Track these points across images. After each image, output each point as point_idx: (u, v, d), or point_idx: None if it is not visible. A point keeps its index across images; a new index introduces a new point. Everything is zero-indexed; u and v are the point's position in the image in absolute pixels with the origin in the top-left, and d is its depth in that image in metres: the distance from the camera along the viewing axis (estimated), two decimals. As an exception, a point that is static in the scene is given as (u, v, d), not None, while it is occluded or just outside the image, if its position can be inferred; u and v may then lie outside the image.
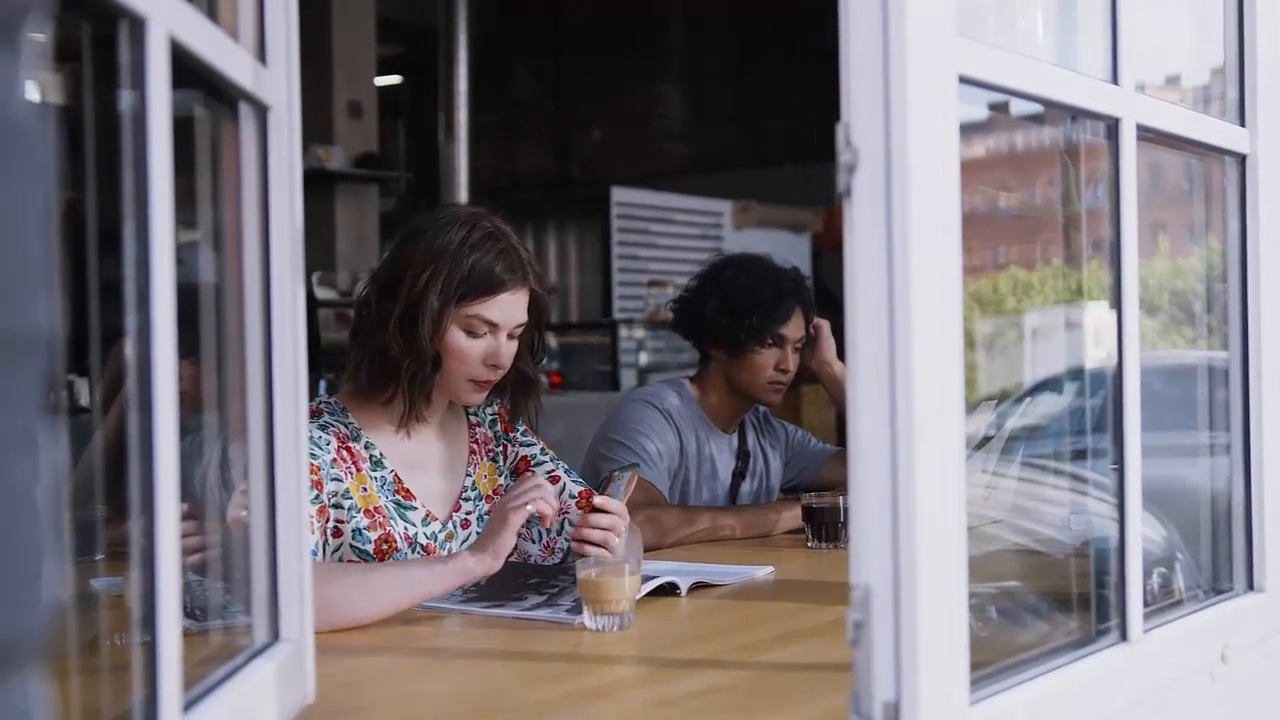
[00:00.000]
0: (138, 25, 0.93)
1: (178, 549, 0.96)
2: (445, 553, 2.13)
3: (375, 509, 2.07)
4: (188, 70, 1.04)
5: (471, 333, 2.08)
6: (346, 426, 2.11)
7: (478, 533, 2.17)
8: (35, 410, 0.52)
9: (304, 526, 1.32)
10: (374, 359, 2.09)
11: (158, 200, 0.94)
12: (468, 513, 2.21)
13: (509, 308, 2.09)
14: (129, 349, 0.96)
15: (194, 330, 1.21)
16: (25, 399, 0.51)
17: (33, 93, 0.53)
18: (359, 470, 2.09)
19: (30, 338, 0.51)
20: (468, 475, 2.23)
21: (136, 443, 0.94)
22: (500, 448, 2.29)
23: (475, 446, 2.26)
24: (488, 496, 2.24)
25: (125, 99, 0.95)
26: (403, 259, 2.09)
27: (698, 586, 2.09)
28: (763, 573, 2.25)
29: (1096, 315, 1.76)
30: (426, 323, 2.04)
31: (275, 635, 1.29)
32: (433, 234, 2.08)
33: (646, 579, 1.95)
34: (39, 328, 0.51)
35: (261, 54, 1.27)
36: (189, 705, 1.03)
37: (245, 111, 1.25)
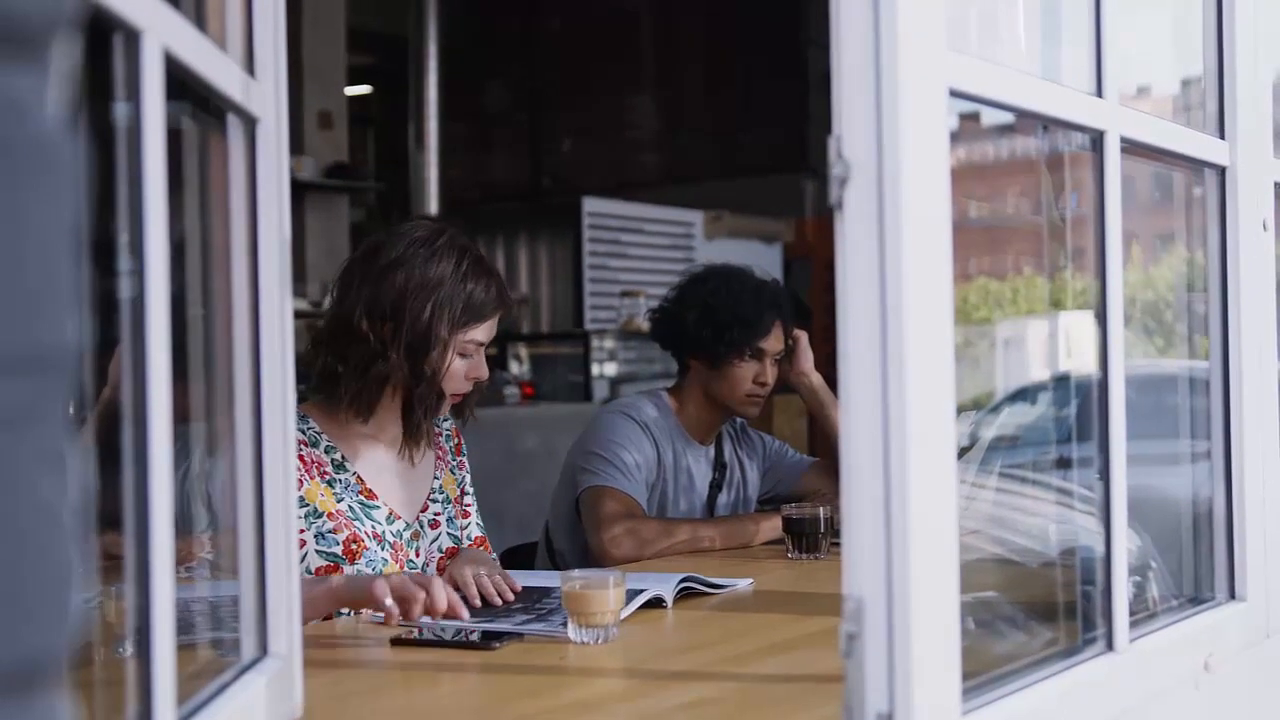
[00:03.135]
0: (132, 37, 0.92)
1: (172, 565, 0.95)
2: (412, 552, 2.21)
3: (338, 511, 2.12)
4: (178, 82, 1.03)
5: (464, 354, 2.19)
6: (304, 432, 2.16)
7: (448, 533, 2.28)
8: (62, 427, 0.51)
9: (292, 542, 1.32)
10: (370, 381, 2.13)
11: (152, 212, 0.94)
12: (435, 513, 2.28)
13: (494, 327, 2.23)
14: (118, 362, 0.95)
15: (180, 342, 1.20)
16: (53, 416, 0.50)
17: (60, 108, 0.52)
18: (320, 474, 2.13)
19: (58, 354, 0.50)
20: (435, 478, 2.31)
21: (130, 457, 0.93)
22: (456, 461, 2.39)
23: (440, 453, 2.35)
24: (454, 500, 2.33)
25: (118, 110, 0.94)
26: (391, 285, 2.13)
27: (685, 593, 2.09)
28: (743, 584, 2.25)
29: (1070, 325, 1.76)
30: (436, 352, 2.14)
31: (264, 650, 1.28)
32: (422, 263, 2.14)
33: (632, 593, 1.94)
34: (67, 344, 0.51)
35: (250, 66, 1.26)
36: (181, 722, 1.02)
37: (233, 123, 1.25)
